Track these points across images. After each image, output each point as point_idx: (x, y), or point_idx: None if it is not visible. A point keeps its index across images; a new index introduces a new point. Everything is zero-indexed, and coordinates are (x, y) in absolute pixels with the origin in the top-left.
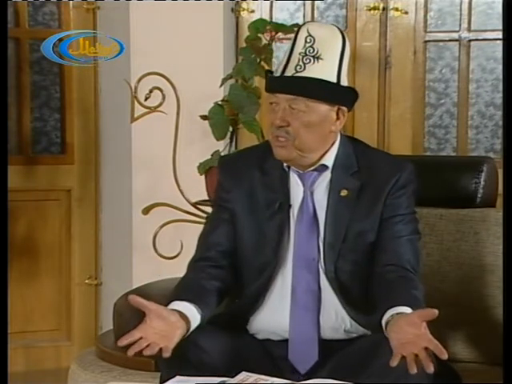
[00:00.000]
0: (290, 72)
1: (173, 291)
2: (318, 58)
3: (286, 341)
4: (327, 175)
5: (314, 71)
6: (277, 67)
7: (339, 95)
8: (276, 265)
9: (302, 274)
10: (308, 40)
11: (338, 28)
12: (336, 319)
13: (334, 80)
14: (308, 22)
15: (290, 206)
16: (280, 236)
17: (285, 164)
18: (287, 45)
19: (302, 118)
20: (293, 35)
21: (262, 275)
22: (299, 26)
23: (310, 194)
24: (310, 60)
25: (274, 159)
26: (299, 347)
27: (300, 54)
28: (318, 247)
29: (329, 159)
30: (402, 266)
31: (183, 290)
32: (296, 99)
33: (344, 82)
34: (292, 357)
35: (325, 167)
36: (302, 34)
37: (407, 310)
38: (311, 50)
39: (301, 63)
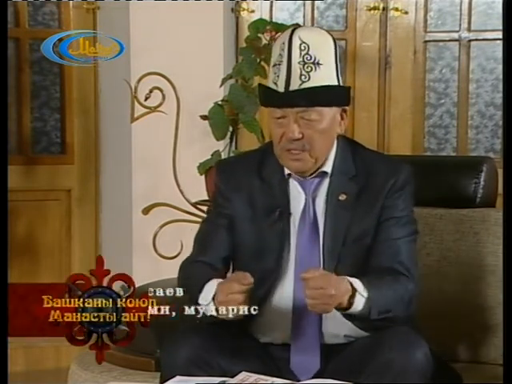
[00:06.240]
0: (295, 84)
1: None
2: (317, 63)
3: (286, 344)
4: (327, 181)
5: (319, 78)
6: (273, 79)
7: (343, 96)
8: (277, 274)
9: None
10: (302, 47)
11: (324, 29)
12: (336, 325)
13: (336, 82)
14: (294, 28)
15: (290, 214)
16: (281, 245)
17: (286, 171)
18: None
19: (316, 127)
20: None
21: (262, 284)
22: (289, 34)
23: (312, 202)
24: (311, 68)
25: (273, 165)
26: (301, 357)
27: (299, 63)
28: (319, 256)
29: (328, 165)
30: (393, 268)
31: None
32: (308, 110)
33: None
34: (294, 366)
35: (325, 173)
36: (295, 41)
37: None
38: (308, 58)
39: (304, 73)
